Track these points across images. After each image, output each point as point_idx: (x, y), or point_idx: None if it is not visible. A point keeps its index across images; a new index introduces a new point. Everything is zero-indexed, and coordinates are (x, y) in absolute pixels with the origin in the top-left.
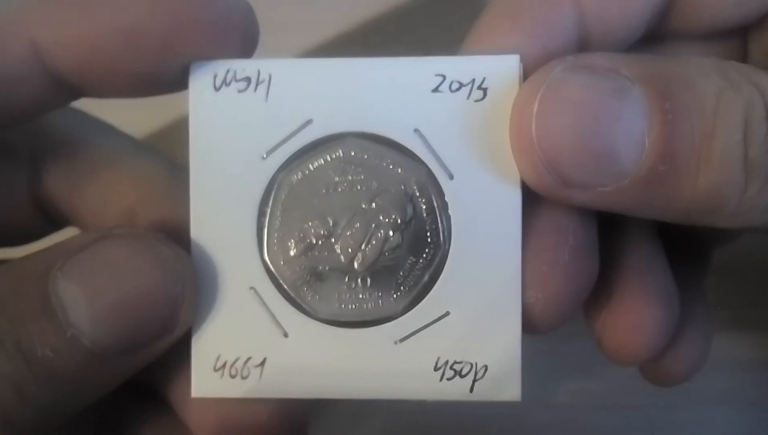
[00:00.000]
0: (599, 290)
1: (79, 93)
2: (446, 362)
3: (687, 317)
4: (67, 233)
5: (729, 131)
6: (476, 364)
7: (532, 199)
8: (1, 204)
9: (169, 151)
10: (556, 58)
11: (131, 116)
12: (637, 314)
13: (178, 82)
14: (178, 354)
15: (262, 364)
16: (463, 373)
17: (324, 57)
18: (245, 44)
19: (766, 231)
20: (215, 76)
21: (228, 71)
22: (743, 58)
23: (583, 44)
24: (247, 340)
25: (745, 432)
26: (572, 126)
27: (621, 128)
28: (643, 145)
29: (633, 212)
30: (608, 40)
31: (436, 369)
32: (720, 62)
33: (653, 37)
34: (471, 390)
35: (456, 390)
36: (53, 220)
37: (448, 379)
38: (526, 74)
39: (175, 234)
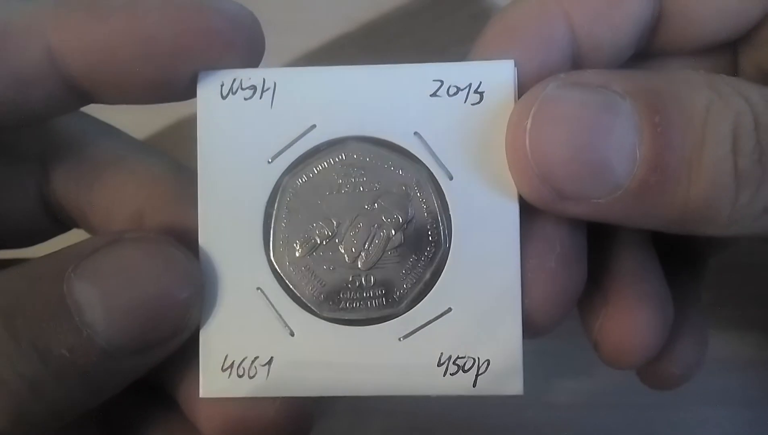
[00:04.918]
0: (595, 296)
1: (89, 98)
2: (449, 357)
3: (683, 322)
4: (75, 234)
5: (718, 142)
6: (479, 358)
7: (521, 209)
8: (10, 205)
9: (169, 152)
10: (549, 76)
11: (132, 118)
12: (631, 319)
13: (187, 90)
14: (186, 354)
15: (269, 363)
16: (466, 368)
17: (324, 59)
18: (251, 54)
19: (759, 239)
20: (222, 85)
21: (234, 80)
22: (734, 72)
23: (576, 59)
24: (254, 340)
25: (742, 431)
26: (565, 140)
27: (613, 141)
28: (634, 158)
29: (627, 223)
30: (600, 56)
31: (439, 364)
32: (710, 76)
33: (645, 53)
34: (474, 384)
35: (459, 385)
36: (61, 222)
37: (451, 374)
38: (521, 86)
39: (183, 235)
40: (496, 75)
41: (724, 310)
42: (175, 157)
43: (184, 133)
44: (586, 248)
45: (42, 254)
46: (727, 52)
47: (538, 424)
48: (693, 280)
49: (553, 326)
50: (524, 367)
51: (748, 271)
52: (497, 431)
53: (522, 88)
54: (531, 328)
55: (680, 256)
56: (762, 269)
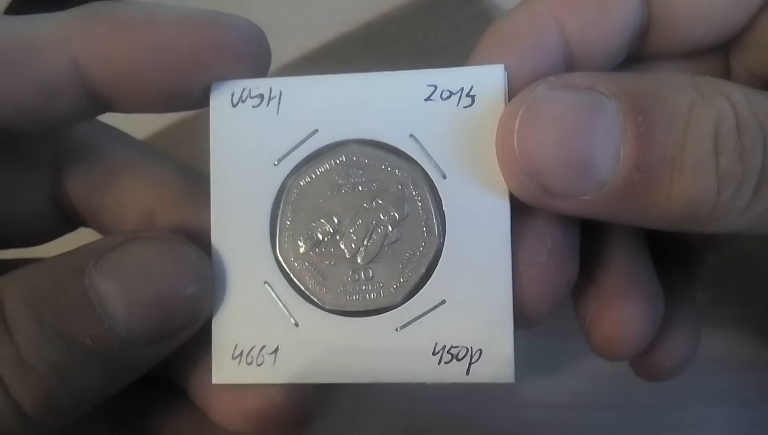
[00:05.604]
0: (588, 289)
1: (107, 107)
2: (444, 347)
3: (675, 317)
4: (82, 233)
5: (700, 141)
6: (471, 348)
7: (513, 206)
8: (22, 206)
9: (174, 152)
10: (539, 79)
11: (139, 118)
12: (621, 312)
13: (200, 100)
14: (196, 346)
15: (276, 351)
16: (460, 356)
17: (325, 59)
18: (259, 65)
19: (746, 234)
20: (233, 94)
21: (244, 89)
22: (726, 74)
23: (569, 66)
24: (262, 330)
25: (742, 431)
26: (551, 140)
27: (597, 141)
28: (618, 157)
29: (614, 219)
30: (593, 61)
31: (434, 353)
32: (694, 77)
33: (638, 57)
34: (467, 372)
35: (453, 373)
36: (71, 222)
37: (445, 363)
38: (514, 92)
39: (192, 234)
40: (487, 79)
41: (723, 310)
42: (180, 156)
43: (187, 132)
44: (579, 244)
45: (49, 252)
46: (719, 55)
47: (538, 424)
48: (686, 276)
49: (543, 318)
50: (523, 363)
51: (748, 271)
52: (497, 431)
53: (514, 94)
54: (522, 320)
55: (674, 253)
56: (762, 270)
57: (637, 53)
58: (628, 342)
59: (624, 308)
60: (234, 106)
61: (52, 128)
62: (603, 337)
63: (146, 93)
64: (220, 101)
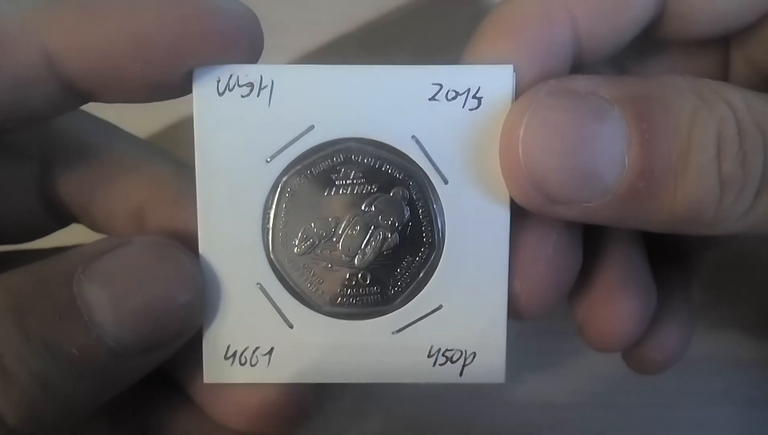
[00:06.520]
0: (583, 284)
1: (88, 97)
2: (439, 350)
3: (668, 312)
4: (74, 229)
5: (703, 148)
6: (465, 351)
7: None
8: (12, 204)
9: (170, 151)
10: (541, 82)
11: (133, 115)
12: (613, 305)
13: (185, 88)
14: (193, 343)
15: (270, 353)
16: (454, 359)
17: (323, 59)
18: (250, 52)
19: (743, 235)
20: (218, 81)
21: (231, 76)
22: (725, 64)
23: (576, 58)
24: (255, 332)
25: (743, 431)
26: (555, 148)
27: (601, 148)
28: (623, 164)
29: (617, 224)
30: (598, 54)
31: (429, 356)
32: (695, 81)
33: (636, 46)
34: (461, 374)
35: (447, 374)
36: (61, 219)
37: (440, 365)
38: (519, 90)
39: (184, 233)
40: (495, 80)
41: (723, 310)
42: (177, 155)
43: (184, 128)
44: (581, 238)
45: (40, 247)
46: (718, 46)
47: (538, 424)
48: (681, 272)
49: (546, 310)
50: (522, 363)
51: (748, 271)
52: (497, 431)
53: (521, 91)
54: (525, 311)
55: (670, 249)
56: (761, 269)
57: (639, 42)
58: (619, 334)
59: (616, 301)
60: (220, 94)
61: (31, 122)
62: (595, 328)
63: (125, 84)
64: (203, 89)
